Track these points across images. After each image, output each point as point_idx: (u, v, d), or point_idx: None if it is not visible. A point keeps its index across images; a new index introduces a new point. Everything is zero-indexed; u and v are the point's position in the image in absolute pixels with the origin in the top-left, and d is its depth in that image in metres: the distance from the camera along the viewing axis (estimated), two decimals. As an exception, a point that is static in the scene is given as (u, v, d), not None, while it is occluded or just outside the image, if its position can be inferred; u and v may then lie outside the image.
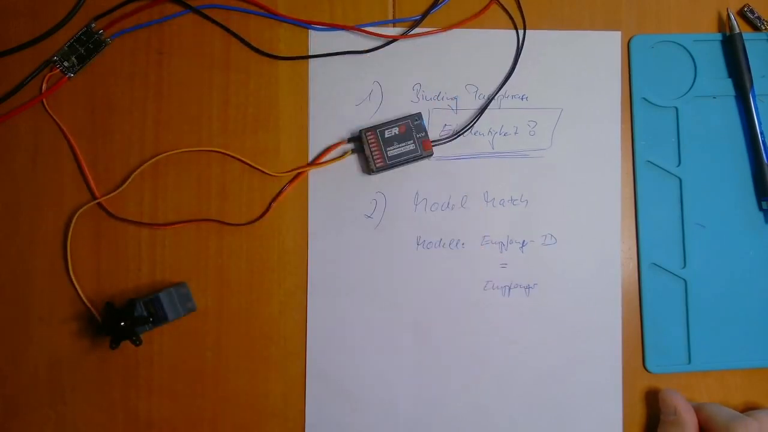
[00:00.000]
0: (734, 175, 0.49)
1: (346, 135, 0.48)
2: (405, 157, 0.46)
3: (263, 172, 0.47)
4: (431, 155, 0.47)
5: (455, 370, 0.47)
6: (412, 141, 0.47)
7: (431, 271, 0.48)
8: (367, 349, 0.47)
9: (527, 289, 0.48)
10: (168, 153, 0.47)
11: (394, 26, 0.49)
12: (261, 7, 0.48)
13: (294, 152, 0.48)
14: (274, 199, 0.47)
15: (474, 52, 0.49)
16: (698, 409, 0.45)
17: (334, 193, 0.48)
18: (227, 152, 0.47)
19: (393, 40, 0.48)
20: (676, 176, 0.49)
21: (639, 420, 0.48)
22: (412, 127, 0.47)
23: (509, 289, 0.48)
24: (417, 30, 0.48)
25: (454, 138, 0.48)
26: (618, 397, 0.48)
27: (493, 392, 0.47)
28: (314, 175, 0.48)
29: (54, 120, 0.46)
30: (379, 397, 0.47)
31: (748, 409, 0.47)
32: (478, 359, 0.48)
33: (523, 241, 0.48)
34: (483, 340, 0.48)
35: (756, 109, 0.48)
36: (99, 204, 0.46)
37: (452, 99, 0.49)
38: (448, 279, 0.48)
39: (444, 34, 0.48)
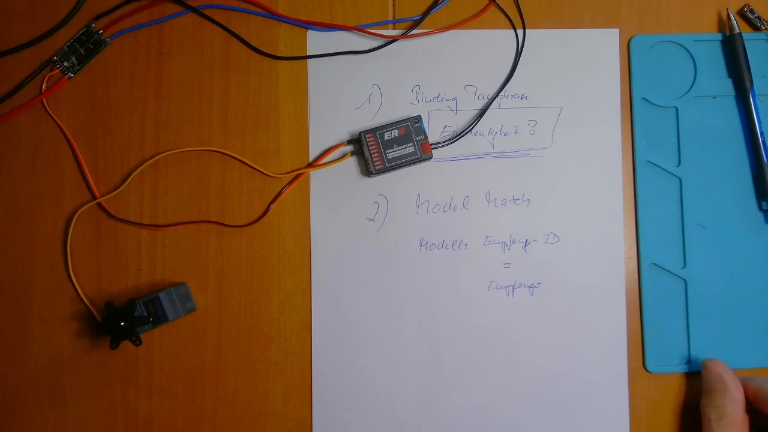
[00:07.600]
0: (734, 175, 0.49)
1: (346, 136, 0.48)
2: (404, 160, 0.46)
3: (263, 173, 0.47)
4: (430, 158, 0.47)
5: (459, 370, 0.47)
6: (411, 144, 0.47)
7: (435, 273, 0.48)
8: (371, 350, 0.47)
9: (531, 289, 0.48)
10: (168, 153, 0.47)
11: (393, 27, 0.49)
12: (261, 7, 0.48)
13: (294, 153, 0.48)
14: (273, 201, 0.47)
15: (473, 52, 0.49)
16: (745, 383, 0.43)
17: (336, 196, 0.48)
18: (227, 152, 0.47)
19: (392, 40, 0.48)
20: (676, 176, 0.49)
21: (639, 420, 0.48)
22: (411, 129, 0.47)
23: (513, 289, 0.48)
24: (416, 30, 0.48)
25: (454, 141, 0.48)
26: (623, 397, 0.48)
27: (498, 393, 0.47)
28: (315, 176, 0.48)
29: (54, 120, 0.46)
30: (383, 398, 0.47)
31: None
32: (482, 359, 0.48)
33: (526, 240, 0.48)
34: (487, 341, 0.48)
35: (756, 109, 0.48)
36: (99, 204, 0.46)
37: (452, 100, 0.48)
38: (451, 280, 0.48)
39: (443, 34, 0.48)
